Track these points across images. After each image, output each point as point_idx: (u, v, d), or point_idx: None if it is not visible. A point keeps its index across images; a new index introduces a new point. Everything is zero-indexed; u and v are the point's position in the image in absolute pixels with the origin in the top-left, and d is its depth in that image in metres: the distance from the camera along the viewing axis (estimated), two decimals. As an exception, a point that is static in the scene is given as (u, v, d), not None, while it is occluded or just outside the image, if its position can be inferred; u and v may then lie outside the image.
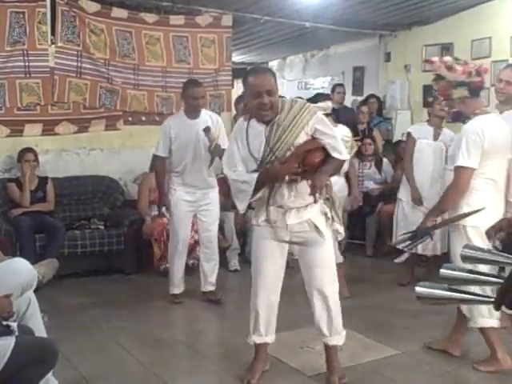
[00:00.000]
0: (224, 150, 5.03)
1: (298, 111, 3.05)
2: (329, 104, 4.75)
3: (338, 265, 3.60)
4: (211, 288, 4.83)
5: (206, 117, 4.73)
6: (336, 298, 3.23)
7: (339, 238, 3.49)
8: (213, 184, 4.82)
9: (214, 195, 4.83)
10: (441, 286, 1.35)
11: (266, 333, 3.31)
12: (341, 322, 3.26)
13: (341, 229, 3.28)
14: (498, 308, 1.20)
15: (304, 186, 3.05)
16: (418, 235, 3.28)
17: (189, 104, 4.62)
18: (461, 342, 3.71)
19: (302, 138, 3.05)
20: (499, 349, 3.46)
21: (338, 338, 3.26)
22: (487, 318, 3.43)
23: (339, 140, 3.18)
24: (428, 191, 5.12)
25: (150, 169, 5.81)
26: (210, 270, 4.83)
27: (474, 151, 3.33)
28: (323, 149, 3.05)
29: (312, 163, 3.02)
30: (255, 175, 3.05)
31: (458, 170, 3.38)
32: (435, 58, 3.76)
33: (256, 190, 3.06)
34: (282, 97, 3.37)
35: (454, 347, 3.70)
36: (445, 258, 5.09)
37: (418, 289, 1.35)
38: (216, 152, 4.61)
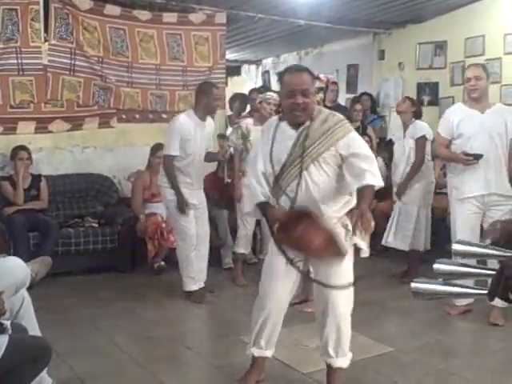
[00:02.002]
0: (229, 154, 5.17)
1: (332, 125, 2.89)
2: (275, 95, 4.92)
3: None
4: (202, 284, 4.84)
5: (210, 120, 4.82)
6: (348, 319, 3.05)
7: (362, 255, 3.10)
8: (202, 185, 4.91)
9: (204, 196, 4.92)
10: (436, 281, 1.35)
11: (266, 346, 3.16)
12: (348, 344, 3.09)
13: (363, 244, 3.01)
14: (491, 299, 1.22)
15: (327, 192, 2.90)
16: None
17: (209, 105, 4.64)
18: None
19: (330, 153, 2.87)
20: None
21: (344, 359, 3.09)
22: None
23: (375, 162, 2.93)
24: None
25: (147, 166, 5.81)
26: (203, 267, 4.85)
27: None
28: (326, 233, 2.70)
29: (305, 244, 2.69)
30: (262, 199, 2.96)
31: None
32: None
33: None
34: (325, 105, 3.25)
35: None
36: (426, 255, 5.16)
37: (413, 285, 1.35)
38: (220, 158, 4.75)
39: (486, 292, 1.22)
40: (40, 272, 3.09)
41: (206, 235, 4.90)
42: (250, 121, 5.18)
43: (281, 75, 2.98)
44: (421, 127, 5.27)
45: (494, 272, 1.19)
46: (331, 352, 3.06)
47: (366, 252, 3.05)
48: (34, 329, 2.85)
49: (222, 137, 4.89)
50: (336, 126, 2.90)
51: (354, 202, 2.97)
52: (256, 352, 3.18)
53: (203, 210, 4.86)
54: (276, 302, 3.05)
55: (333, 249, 2.67)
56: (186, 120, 4.64)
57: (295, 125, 2.94)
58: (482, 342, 4.06)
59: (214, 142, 5.02)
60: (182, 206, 4.64)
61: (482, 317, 4.25)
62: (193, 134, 4.61)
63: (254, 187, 3.01)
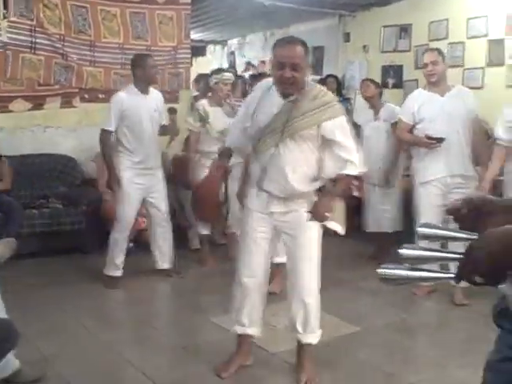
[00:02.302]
0: (178, 128, 5.07)
1: (322, 103, 2.84)
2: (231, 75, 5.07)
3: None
4: (168, 266, 4.84)
5: (155, 93, 4.73)
6: (316, 296, 3.05)
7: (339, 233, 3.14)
8: (159, 163, 4.80)
9: (161, 174, 4.80)
10: (402, 266, 1.37)
11: (249, 324, 3.14)
12: (318, 322, 3.10)
13: (334, 225, 3.04)
14: (458, 282, 1.24)
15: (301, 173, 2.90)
16: None
17: (146, 75, 4.54)
18: None
19: (312, 132, 2.83)
20: None
21: (312, 336, 3.11)
22: None
23: (357, 152, 2.89)
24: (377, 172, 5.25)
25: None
26: (167, 248, 4.83)
27: None
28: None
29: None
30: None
31: None
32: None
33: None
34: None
35: None
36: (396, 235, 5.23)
37: (380, 271, 1.37)
38: (171, 131, 4.64)
39: (452, 275, 1.24)
40: (5, 254, 3.02)
41: (162, 218, 4.79)
42: (205, 102, 5.12)
43: (273, 46, 2.91)
44: (394, 110, 5.26)
45: (459, 256, 1.21)
46: (299, 328, 3.08)
47: (341, 231, 3.08)
48: (0, 311, 2.82)
49: (172, 111, 4.81)
50: (326, 105, 2.85)
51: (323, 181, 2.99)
52: (238, 329, 3.17)
53: (158, 193, 4.73)
54: (250, 276, 3.06)
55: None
56: (124, 95, 4.58)
57: (285, 94, 2.87)
58: (446, 320, 4.17)
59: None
60: (113, 182, 4.62)
61: (447, 296, 4.36)
62: (133, 109, 4.52)
63: (232, 134, 3.21)
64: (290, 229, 3.00)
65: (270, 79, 3.00)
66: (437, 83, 4.33)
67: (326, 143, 2.89)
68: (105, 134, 4.61)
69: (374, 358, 3.43)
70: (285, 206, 2.97)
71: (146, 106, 4.57)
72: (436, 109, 4.28)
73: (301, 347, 3.15)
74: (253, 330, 3.18)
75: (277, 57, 2.83)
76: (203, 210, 4.54)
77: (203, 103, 5.09)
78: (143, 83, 4.58)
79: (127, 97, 4.55)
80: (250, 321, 3.14)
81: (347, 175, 2.93)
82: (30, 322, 3.69)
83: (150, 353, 3.48)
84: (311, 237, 2.98)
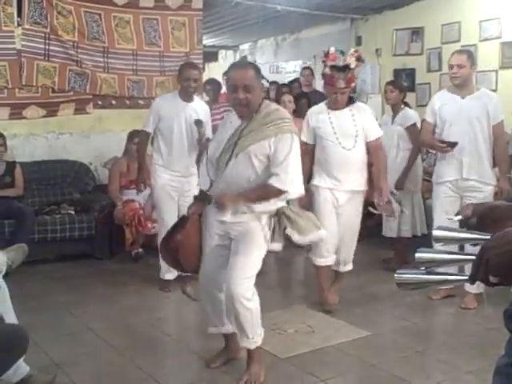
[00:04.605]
0: (207, 139, 5.06)
1: (272, 120, 2.94)
2: None
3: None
4: (173, 276, 4.72)
5: (199, 104, 4.73)
6: (247, 305, 2.97)
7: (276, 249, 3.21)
8: (195, 172, 4.72)
9: (195, 180, 4.68)
10: (418, 270, 1.37)
11: (219, 323, 3.24)
12: (253, 331, 3.06)
13: (276, 245, 3.13)
14: (473, 283, 1.25)
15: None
16: None
17: (182, 86, 4.58)
18: None
19: (262, 147, 2.91)
20: None
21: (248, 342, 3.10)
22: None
23: (289, 172, 2.92)
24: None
25: (124, 153, 5.77)
26: None
27: None
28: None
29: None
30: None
31: None
32: (332, 50, 4.02)
33: None
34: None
35: None
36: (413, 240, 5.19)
37: (396, 275, 1.38)
38: (205, 146, 4.63)
39: (467, 277, 1.24)
40: (16, 260, 3.06)
41: None
42: None
43: (227, 71, 3.10)
44: (411, 115, 5.25)
45: (474, 257, 1.21)
46: (236, 330, 3.11)
47: (278, 247, 3.15)
48: (10, 317, 2.84)
49: (198, 123, 4.75)
50: (274, 122, 2.94)
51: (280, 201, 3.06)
52: (213, 330, 3.30)
53: (190, 197, 4.72)
54: (203, 276, 3.16)
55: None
56: (163, 99, 4.69)
57: (242, 116, 3.01)
58: (458, 325, 4.13)
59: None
60: (139, 182, 4.85)
61: (459, 301, 4.31)
62: (167, 115, 4.55)
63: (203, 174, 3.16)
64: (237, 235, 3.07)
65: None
66: (460, 86, 4.25)
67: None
68: (142, 134, 4.78)
69: (386, 362, 3.40)
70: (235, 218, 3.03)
71: (182, 114, 4.57)
72: (454, 110, 4.23)
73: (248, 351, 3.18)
74: (225, 329, 3.26)
75: (230, 80, 3.00)
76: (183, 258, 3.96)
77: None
78: (182, 92, 4.62)
79: (165, 101, 4.63)
80: (217, 320, 3.24)
81: (270, 185, 2.93)
82: (41, 328, 3.72)
83: (160, 358, 3.49)
84: (252, 239, 3.02)
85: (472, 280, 1.22)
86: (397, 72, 7.39)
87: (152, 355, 3.54)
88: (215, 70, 9.55)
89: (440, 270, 1.38)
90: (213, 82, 6.63)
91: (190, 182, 4.69)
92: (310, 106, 6.13)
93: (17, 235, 5.05)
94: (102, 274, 5.15)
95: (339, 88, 4.00)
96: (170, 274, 4.66)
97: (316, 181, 4.19)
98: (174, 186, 4.66)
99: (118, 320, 4.10)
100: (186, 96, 4.61)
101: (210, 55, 9.97)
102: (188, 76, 4.54)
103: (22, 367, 2.85)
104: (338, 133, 4.07)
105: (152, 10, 6.25)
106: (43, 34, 5.69)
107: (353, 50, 4.24)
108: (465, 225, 1.49)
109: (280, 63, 9.57)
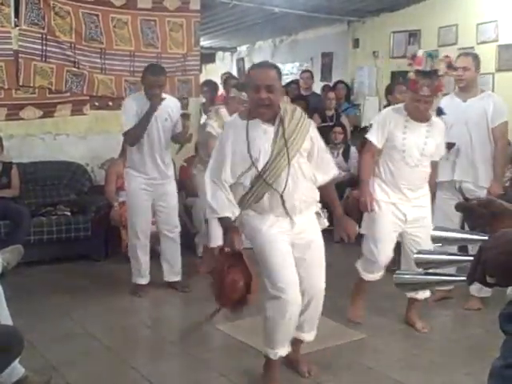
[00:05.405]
0: (191, 134, 5.02)
1: (299, 117, 3.00)
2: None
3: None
4: (177, 278, 4.79)
5: (170, 101, 4.58)
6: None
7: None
8: (170, 175, 4.68)
9: (172, 187, 4.71)
10: (417, 271, 1.38)
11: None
12: None
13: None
14: (470, 283, 1.25)
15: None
16: None
17: (146, 91, 4.44)
18: None
19: (306, 144, 2.99)
20: None
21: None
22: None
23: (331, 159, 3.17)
24: None
25: (120, 154, 5.76)
26: (175, 261, 4.77)
27: None
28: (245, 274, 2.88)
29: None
30: (223, 218, 2.96)
31: None
32: (420, 53, 3.69)
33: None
34: None
35: None
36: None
37: (395, 277, 1.38)
38: (184, 137, 4.60)
39: (464, 278, 1.24)
40: (12, 261, 3.05)
41: (169, 229, 4.71)
42: (224, 110, 5.00)
43: (248, 71, 3.04)
44: None
45: (472, 258, 1.21)
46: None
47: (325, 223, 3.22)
48: (5, 318, 2.84)
49: (185, 117, 4.69)
50: (302, 118, 3.01)
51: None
52: (282, 352, 3.11)
53: (166, 202, 4.65)
54: (291, 294, 2.98)
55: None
56: (134, 100, 4.52)
57: (268, 120, 2.96)
58: (454, 327, 4.15)
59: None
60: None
61: (455, 303, 4.32)
62: (139, 116, 4.40)
63: (222, 199, 2.96)
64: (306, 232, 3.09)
65: (236, 119, 3.08)
66: (464, 88, 4.25)
67: (311, 153, 3.06)
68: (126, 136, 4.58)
69: (381, 364, 3.40)
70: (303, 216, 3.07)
71: (154, 116, 4.44)
72: (455, 113, 4.22)
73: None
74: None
75: (252, 80, 2.95)
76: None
77: (224, 111, 4.89)
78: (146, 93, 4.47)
79: (137, 103, 4.46)
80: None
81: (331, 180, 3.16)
82: (37, 329, 3.71)
83: (156, 360, 3.49)
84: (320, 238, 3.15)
85: (469, 280, 1.22)
86: (394, 74, 7.39)
87: (148, 357, 3.54)
88: (212, 72, 9.56)
89: (438, 271, 1.38)
90: (210, 83, 6.64)
91: (165, 185, 4.63)
92: (308, 108, 6.17)
93: (13, 236, 5.04)
94: (98, 275, 5.15)
95: (422, 95, 3.59)
96: (141, 278, 4.66)
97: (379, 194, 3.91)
98: (148, 189, 4.57)
99: (114, 321, 4.10)
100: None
101: (208, 57, 9.96)
102: (150, 83, 4.36)
103: (17, 369, 2.85)
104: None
105: (150, 12, 6.23)
106: (40, 35, 5.67)
107: (443, 55, 3.98)
108: (465, 209, 1.47)
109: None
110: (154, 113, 4.40)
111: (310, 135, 3.01)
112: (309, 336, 3.22)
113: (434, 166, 3.92)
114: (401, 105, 3.87)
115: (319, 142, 3.08)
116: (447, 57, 3.75)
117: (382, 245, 3.84)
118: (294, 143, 2.95)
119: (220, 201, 2.95)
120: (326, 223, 3.19)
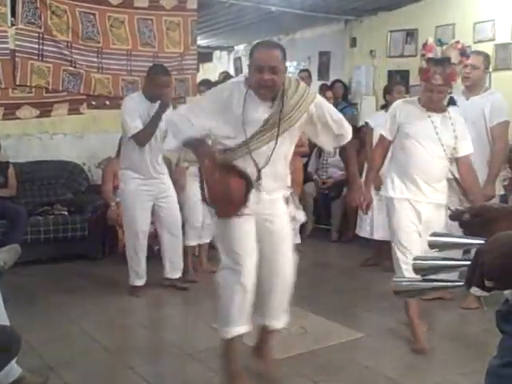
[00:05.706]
0: None
1: (302, 92, 2.92)
2: None
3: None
4: (178, 275, 4.79)
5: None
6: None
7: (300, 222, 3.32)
8: (164, 170, 4.69)
9: (169, 182, 4.72)
10: (415, 278, 1.38)
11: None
12: None
13: (300, 214, 3.19)
14: (469, 288, 1.24)
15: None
16: None
17: (153, 91, 4.42)
18: None
19: (301, 122, 2.95)
20: None
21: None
22: None
23: (344, 124, 3.10)
24: None
25: (117, 154, 5.74)
26: (177, 258, 4.77)
27: None
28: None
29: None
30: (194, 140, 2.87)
31: None
32: (430, 41, 3.47)
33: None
34: None
35: None
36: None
37: (394, 284, 1.38)
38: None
39: (463, 283, 1.24)
40: (8, 260, 3.03)
41: (173, 225, 4.71)
42: None
43: (251, 50, 2.93)
44: None
45: (470, 262, 1.21)
46: None
47: (302, 218, 3.21)
48: (2, 318, 2.82)
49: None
50: (305, 93, 2.95)
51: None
52: (240, 329, 3.10)
53: (167, 199, 4.67)
54: (250, 270, 3.01)
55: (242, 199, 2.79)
56: (133, 100, 4.51)
57: (264, 98, 2.89)
58: (450, 327, 4.14)
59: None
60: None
61: (451, 303, 4.32)
62: (141, 115, 4.40)
63: (184, 125, 2.89)
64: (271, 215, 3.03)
65: (239, 83, 2.97)
66: (470, 87, 4.24)
67: (319, 120, 3.01)
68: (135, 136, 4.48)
69: (377, 364, 3.40)
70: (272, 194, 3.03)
71: (148, 116, 4.42)
72: (455, 111, 4.20)
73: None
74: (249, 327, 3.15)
75: (255, 60, 2.84)
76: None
77: None
78: (149, 93, 4.48)
79: (135, 103, 4.46)
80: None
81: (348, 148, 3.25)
82: (34, 329, 3.70)
83: (153, 359, 3.48)
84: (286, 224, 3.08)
85: (468, 285, 1.22)
86: (391, 74, 7.39)
87: (145, 356, 3.53)
88: (210, 71, 9.55)
89: (436, 276, 1.38)
90: (207, 82, 6.62)
91: (163, 179, 4.65)
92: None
93: (9, 236, 5.02)
94: (95, 274, 5.14)
95: (435, 84, 3.41)
96: (139, 280, 4.65)
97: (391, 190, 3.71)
98: (148, 190, 4.56)
99: (112, 321, 4.09)
100: (155, 98, 4.44)
101: (205, 56, 9.94)
102: (160, 83, 4.38)
103: (14, 369, 2.84)
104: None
105: (147, 11, 6.23)
106: (37, 34, 5.66)
107: (454, 40, 3.60)
108: (459, 222, 1.47)
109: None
110: (165, 112, 4.40)
111: (313, 106, 2.94)
112: (277, 323, 3.14)
113: (465, 163, 3.64)
114: (414, 98, 3.77)
115: (328, 107, 3.04)
116: (458, 42, 3.46)
117: (408, 243, 3.56)
118: (288, 121, 2.90)
119: (182, 126, 2.90)
120: (298, 215, 3.16)
